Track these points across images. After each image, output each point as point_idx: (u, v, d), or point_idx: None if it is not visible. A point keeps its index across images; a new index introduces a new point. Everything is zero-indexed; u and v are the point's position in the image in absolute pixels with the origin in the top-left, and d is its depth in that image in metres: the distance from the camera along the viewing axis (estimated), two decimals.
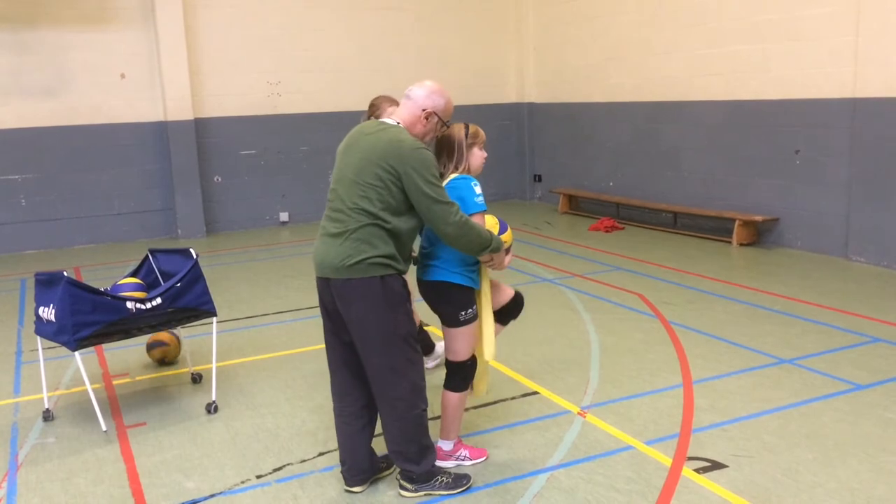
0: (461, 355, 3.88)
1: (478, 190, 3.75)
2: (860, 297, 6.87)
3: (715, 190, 9.79)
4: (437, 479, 3.74)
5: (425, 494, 3.71)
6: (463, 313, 3.79)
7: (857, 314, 6.35)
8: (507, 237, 3.94)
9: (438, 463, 3.94)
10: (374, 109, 5.05)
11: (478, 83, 12.88)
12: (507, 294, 4.14)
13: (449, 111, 3.68)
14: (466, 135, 3.81)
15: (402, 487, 3.75)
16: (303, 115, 11.64)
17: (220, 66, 11.13)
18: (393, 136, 3.48)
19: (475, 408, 4.32)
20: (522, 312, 4.22)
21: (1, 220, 10.27)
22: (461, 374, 3.92)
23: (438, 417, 4.07)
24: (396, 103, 4.80)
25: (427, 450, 3.72)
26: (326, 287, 3.53)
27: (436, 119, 3.62)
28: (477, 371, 4.06)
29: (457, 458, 4.03)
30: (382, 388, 3.58)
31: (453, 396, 3.94)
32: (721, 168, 9.71)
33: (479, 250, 3.59)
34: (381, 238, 3.44)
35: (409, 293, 3.61)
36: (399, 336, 3.52)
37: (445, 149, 3.81)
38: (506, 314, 4.13)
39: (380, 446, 3.90)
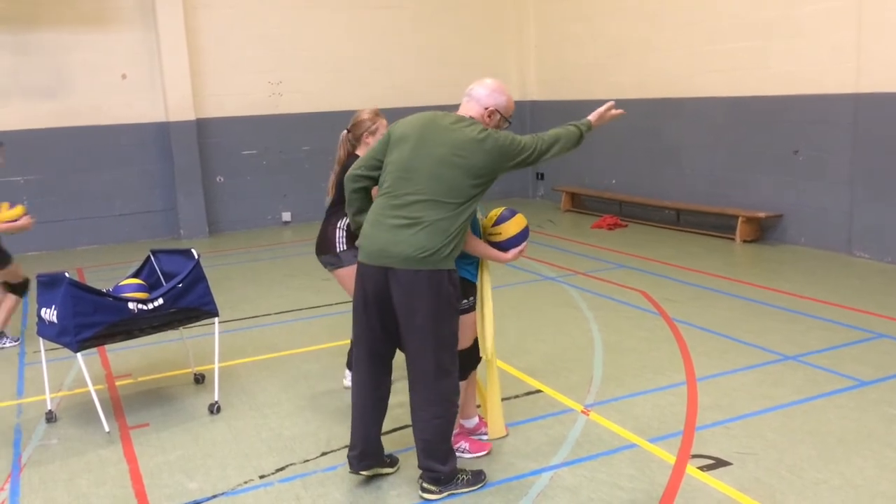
0: (461, 343, 3.90)
1: None
2: (864, 293, 6.85)
3: (718, 187, 9.76)
4: (459, 478, 3.74)
5: (448, 494, 3.70)
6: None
7: (861, 310, 6.33)
8: (513, 225, 3.87)
9: None
10: (358, 128, 4.69)
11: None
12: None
13: (510, 108, 3.76)
14: None
15: (425, 490, 3.70)
16: (304, 114, 11.63)
17: (221, 66, 11.13)
18: (476, 132, 3.52)
19: (479, 406, 4.31)
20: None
21: None
22: (462, 362, 3.93)
23: None
24: (382, 116, 4.75)
25: (452, 450, 3.75)
26: (383, 276, 3.48)
27: (498, 116, 3.70)
28: (490, 413, 4.14)
29: (457, 451, 4.03)
30: (427, 385, 3.57)
31: None
32: (724, 165, 9.69)
33: (574, 143, 3.80)
34: (453, 233, 3.47)
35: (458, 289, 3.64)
36: (452, 333, 3.58)
37: None
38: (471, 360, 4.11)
39: (389, 444, 3.89)
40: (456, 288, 3.55)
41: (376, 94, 11.84)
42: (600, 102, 4.09)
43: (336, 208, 4.70)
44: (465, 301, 3.85)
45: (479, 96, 3.68)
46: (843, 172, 8.26)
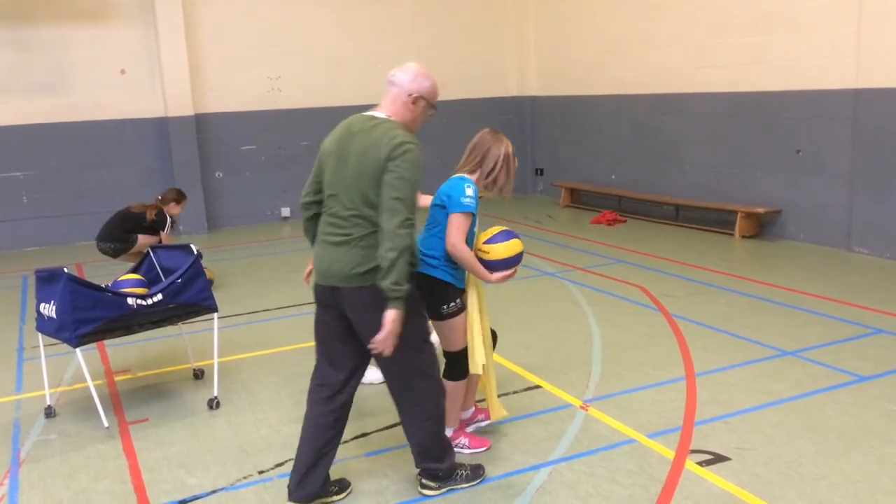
0: (454, 345, 3.93)
1: (469, 192, 3.75)
2: (863, 288, 6.85)
3: (717, 182, 9.76)
4: (458, 473, 3.73)
5: (448, 490, 3.70)
6: (445, 307, 3.83)
7: (860, 305, 6.33)
8: (504, 248, 3.88)
9: None
10: None
11: (478, 77, 12.84)
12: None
13: (435, 93, 3.54)
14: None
15: (424, 487, 3.70)
16: (303, 110, 11.62)
17: (220, 61, 11.11)
18: (385, 133, 3.31)
19: (478, 401, 4.31)
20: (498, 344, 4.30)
21: (2, 217, 10.27)
22: (456, 363, 3.96)
23: None
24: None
25: (449, 446, 3.72)
26: (332, 295, 3.40)
27: (423, 103, 3.49)
28: (488, 395, 4.13)
29: (456, 446, 4.04)
30: (406, 391, 3.53)
31: (451, 385, 3.97)
32: (723, 160, 9.68)
33: (391, 277, 3.16)
34: None
35: (417, 292, 3.50)
36: (419, 337, 3.48)
37: (490, 160, 3.91)
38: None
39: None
40: (411, 298, 3.35)
41: (375, 91, 11.75)
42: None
43: None
44: (452, 304, 3.83)
45: (402, 82, 3.45)
46: (842, 168, 8.26)
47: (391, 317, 3.19)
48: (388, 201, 3.20)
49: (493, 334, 4.20)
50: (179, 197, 7.60)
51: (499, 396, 4.52)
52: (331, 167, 3.41)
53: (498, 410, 4.19)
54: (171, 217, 7.52)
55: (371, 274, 3.28)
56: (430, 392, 3.55)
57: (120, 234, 7.34)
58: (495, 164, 3.92)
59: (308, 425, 3.56)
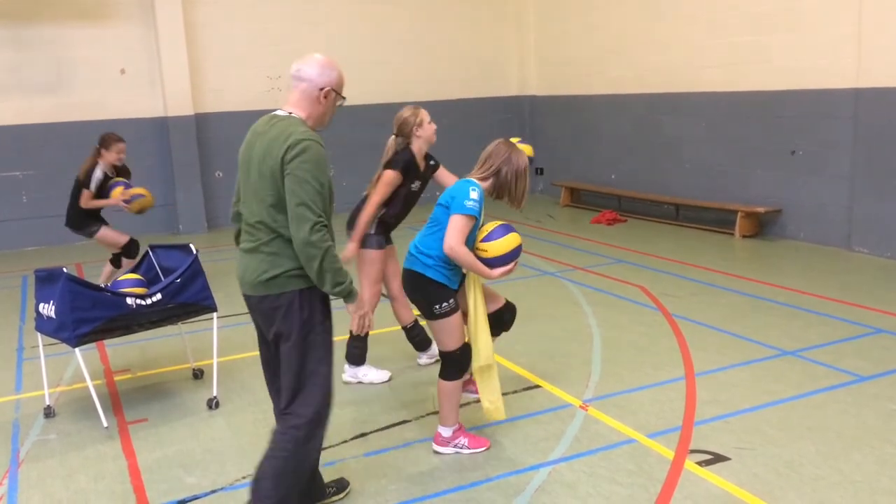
0: (447, 346, 3.94)
1: (474, 195, 3.75)
2: (863, 287, 6.84)
3: (717, 181, 9.75)
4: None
5: None
6: (437, 307, 3.84)
7: (860, 305, 6.32)
8: (501, 245, 3.86)
9: (437, 448, 4.02)
10: (405, 127, 4.84)
11: (478, 76, 12.83)
12: (497, 303, 4.16)
13: (343, 82, 3.38)
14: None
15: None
16: None
17: (220, 60, 11.11)
18: (282, 131, 3.14)
19: (478, 402, 4.30)
20: (515, 322, 4.29)
21: (2, 217, 10.27)
22: (451, 363, 3.97)
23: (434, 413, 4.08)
24: (420, 108, 4.89)
25: (285, 497, 3.22)
26: (248, 305, 3.35)
27: (334, 95, 3.32)
28: (488, 394, 4.08)
29: (455, 446, 4.04)
30: (287, 415, 3.26)
31: (446, 385, 3.98)
32: (723, 159, 9.67)
33: (327, 284, 3.11)
34: (293, 252, 3.13)
35: (329, 308, 3.33)
36: (316, 366, 3.25)
37: (505, 173, 3.88)
38: (495, 324, 4.10)
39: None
40: (313, 309, 3.21)
41: (375, 89, 11.83)
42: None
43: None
44: (445, 304, 3.84)
45: (310, 76, 3.28)
46: (842, 167, 8.25)
47: (351, 310, 3.32)
48: (292, 210, 3.06)
49: (510, 308, 4.19)
50: (106, 142, 6.91)
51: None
52: (240, 175, 3.31)
53: (496, 412, 4.15)
54: (109, 167, 6.94)
55: (275, 282, 3.17)
56: (299, 438, 3.21)
57: (75, 216, 7.10)
58: (509, 177, 3.89)
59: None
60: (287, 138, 3.10)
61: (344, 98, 3.40)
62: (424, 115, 4.86)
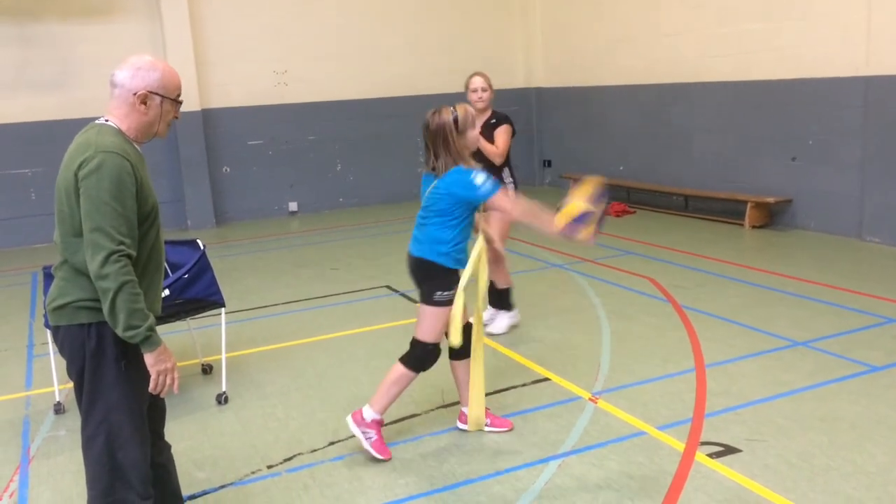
0: (425, 336, 3.93)
1: (478, 180, 3.72)
2: (874, 277, 6.79)
3: (726, 172, 9.70)
4: None
5: None
6: (438, 293, 3.85)
7: (872, 295, 6.27)
8: (572, 208, 3.61)
9: (349, 422, 3.99)
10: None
11: (485, 69, 12.52)
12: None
13: (172, 83, 2.88)
14: (456, 121, 3.76)
15: None
16: (309, 103, 11.60)
17: (226, 56, 11.10)
18: (83, 142, 2.73)
19: (487, 395, 4.29)
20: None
21: (11, 214, 10.31)
22: (418, 354, 3.95)
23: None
24: (489, 83, 5.81)
25: None
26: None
27: (158, 99, 2.82)
28: (472, 403, 4.12)
29: (363, 433, 3.97)
30: (89, 462, 2.91)
31: (399, 369, 3.96)
32: (732, 149, 9.61)
33: (119, 325, 2.60)
34: (86, 277, 2.67)
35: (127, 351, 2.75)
36: (109, 414, 2.80)
37: (440, 140, 3.75)
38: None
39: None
40: (103, 345, 2.71)
41: (381, 83, 11.81)
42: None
43: None
44: (446, 293, 3.85)
45: (122, 81, 2.83)
46: (853, 156, 8.19)
47: (149, 362, 2.69)
48: (87, 236, 2.60)
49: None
50: None
51: (506, 389, 4.53)
52: None
53: (477, 421, 4.16)
54: None
55: (63, 312, 2.74)
56: (99, 480, 2.87)
57: None
58: (443, 139, 3.75)
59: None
60: (84, 151, 2.67)
61: (178, 101, 2.90)
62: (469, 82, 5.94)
